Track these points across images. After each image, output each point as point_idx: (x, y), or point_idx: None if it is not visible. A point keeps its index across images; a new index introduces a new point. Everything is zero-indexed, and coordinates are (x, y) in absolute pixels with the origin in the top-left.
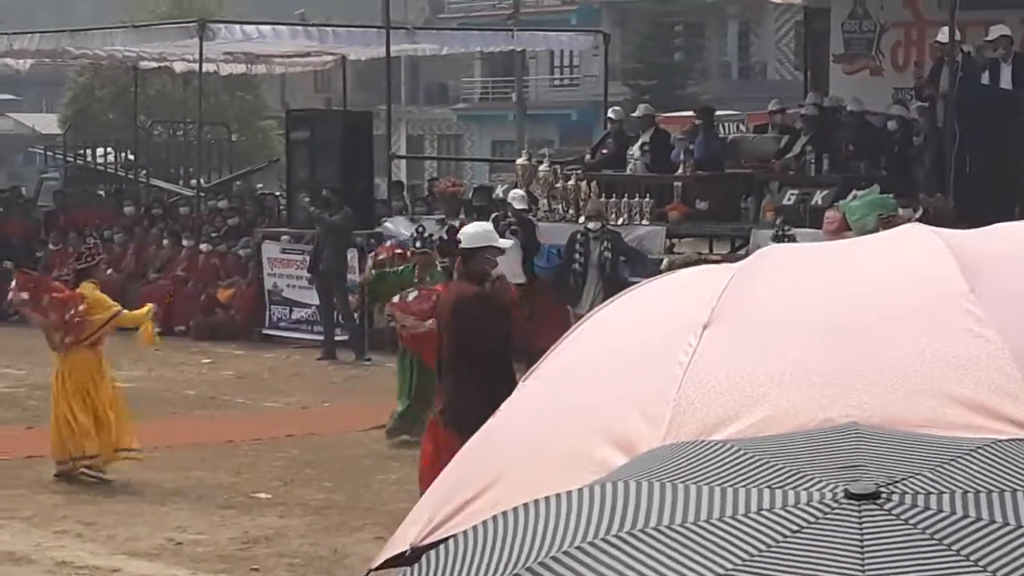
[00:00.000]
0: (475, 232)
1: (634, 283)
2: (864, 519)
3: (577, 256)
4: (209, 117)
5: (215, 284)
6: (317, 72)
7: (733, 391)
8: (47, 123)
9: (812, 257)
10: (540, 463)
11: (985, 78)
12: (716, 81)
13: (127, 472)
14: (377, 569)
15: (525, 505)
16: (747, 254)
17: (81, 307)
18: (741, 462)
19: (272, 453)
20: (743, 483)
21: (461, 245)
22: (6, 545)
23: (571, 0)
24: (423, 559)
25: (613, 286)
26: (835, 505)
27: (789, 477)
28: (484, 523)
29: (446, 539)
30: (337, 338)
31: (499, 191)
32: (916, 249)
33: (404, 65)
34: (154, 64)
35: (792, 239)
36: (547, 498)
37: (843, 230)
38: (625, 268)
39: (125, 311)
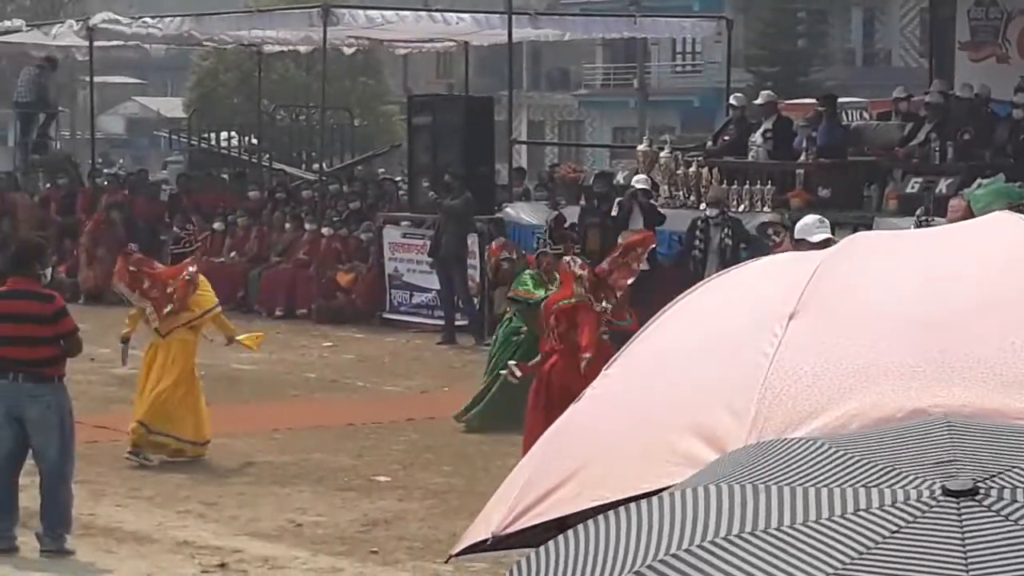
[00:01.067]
0: (801, 224)
1: None
2: (964, 516)
3: (697, 243)
4: (332, 101)
5: (336, 268)
6: (439, 57)
7: (819, 384)
8: (172, 107)
9: (901, 245)
10: (623, 454)
11: None
12: (839, 68)
13: (250, 454)
14: (458, 555)
15: (627, 507)
16: None
17: (183, 281)
18: (834, 461)
19: (392, 437)
20: (838, 483)
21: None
22: (129, 524)
23: None
24: (525, 559)
25: None
26: (933, 503)
27: (884, 475)
28: (587, 525)
29: (530, 528)
30: (457, 323)
31: (620, 177)
32: (1008, 237)
33: (526, 50)
34: (278, 48)
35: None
36: (648, 501)
37: (967, 218)
38: (745, 255)
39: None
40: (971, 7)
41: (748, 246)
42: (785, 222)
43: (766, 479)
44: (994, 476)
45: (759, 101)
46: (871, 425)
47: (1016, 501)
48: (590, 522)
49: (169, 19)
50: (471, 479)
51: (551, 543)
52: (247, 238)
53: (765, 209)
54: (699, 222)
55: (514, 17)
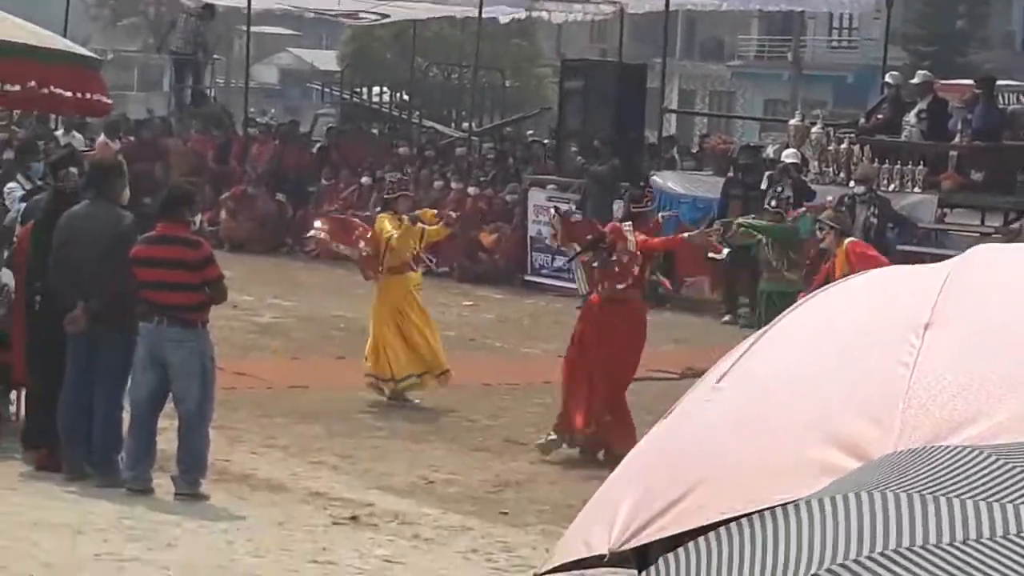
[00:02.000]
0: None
1: (901, 251)
2: None
3: None
4: (485, 62)
5: (480, 228)
6: (593, 23)
7: (966, 393)
8: (326, 60)
9: None
10: (752, 467)
11: None
12: (998, 51)
13: (386, 409)
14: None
15: (771, 512)
16: (1021, 228)
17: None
18: (1000, 473)
19: (528, 399)
20: (1007, 499)
21: None
22: (264, 472)
23: None
24: (661, 563)
25: (879, 252)
26: None
27: None
28: (729, 530)
29: (657, 541)
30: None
31: (770, 151)
32: None
33: (681, 19)
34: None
35: None
36: (789, 507)
37: None
38: (892, 235)
39: (427, 228)
40: None
41: (895, 226)
42: (837, 220)
43: (926, 488)
44: None
45: (916, 81)
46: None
47: None
48: (734, 526)
49: None
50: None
51: (688, 547)
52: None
53: (916, 190)
54: (846, 199)
55: None
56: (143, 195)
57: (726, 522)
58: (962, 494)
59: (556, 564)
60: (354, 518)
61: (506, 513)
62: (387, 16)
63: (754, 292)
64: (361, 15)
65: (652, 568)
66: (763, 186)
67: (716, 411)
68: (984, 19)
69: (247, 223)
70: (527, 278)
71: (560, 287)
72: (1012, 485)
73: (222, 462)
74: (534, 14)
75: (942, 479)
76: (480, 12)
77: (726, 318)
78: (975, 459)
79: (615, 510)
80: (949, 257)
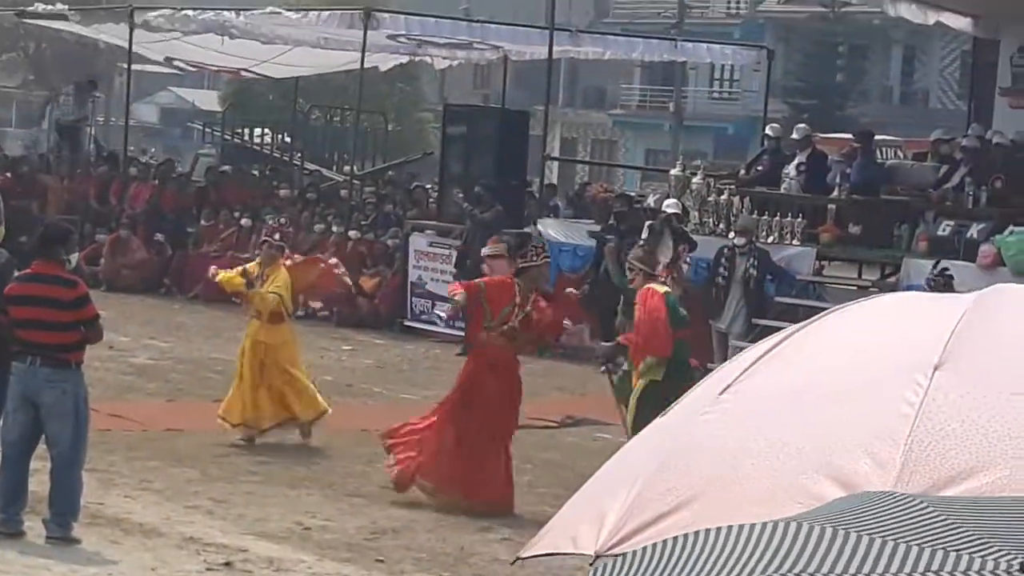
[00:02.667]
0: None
1: (778, 302)
2: None
3: (722, 271)
4: (367, 105)
5: (360, 272)
6: (477, 68)
7: (968, 444)
8: (207, 99)
9: None
10: (748, 489)
11: None
12: (876, 105)
13: (261, 454)
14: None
15: (712, 530)
16: (897, 282)
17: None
18: (932, 521)
19: None
20: (920, 541)
21: None
22: (137, 516)
23: (736, 14)
24: (608, 563)
25: (756, 304)
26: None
27: (972, 542)
28: (674, 539)
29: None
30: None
31: (651, 200)
32: None
33: (564, 67)
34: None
35: (950, 280)
36: (731, 527)
37: (997, 265)
38: (770, 287)
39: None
40: (1014, 53)
41: (774, 277)
42: (644, 260)
43: (854, 526)
44: None
45: (796, 136)
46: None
47: None
48: (680, 536)
49: (210, 12)
50: None
51: (637, 551)
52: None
53: (794, 242)
54: (726, 250)
55: (555, 32)
56: (19, 233)
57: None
58: (884, 534)
59: (539, 553)
60: (228, 564)
61: (382, 561)
62: (267, 76)
63: None
64: (243, 73)
65: (600, 566)
66: (644, 236)
67: (717, 425)
68: (863, 73)
69: (125, 263)
70: (407, 323)
71: (439, 333)
72: (935, 532)
73: (95, 505)
74: (416, 59)
75: (877, 520)
76: (363, 61)
77: (604, 368)
78: (914, 507)
79: (603, 511)
80: (825, 310)
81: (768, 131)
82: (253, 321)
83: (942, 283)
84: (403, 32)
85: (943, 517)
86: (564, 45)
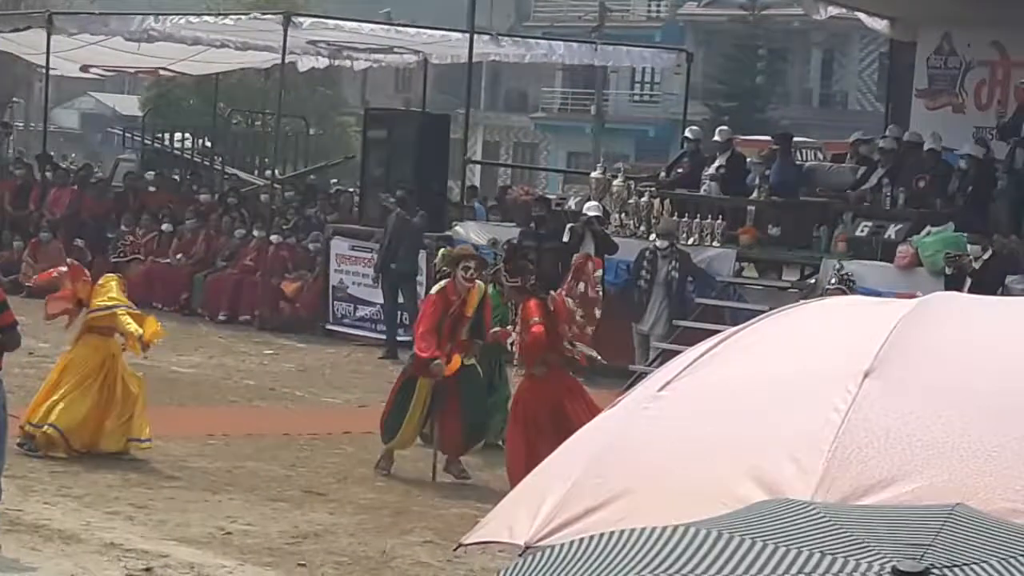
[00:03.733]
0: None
1: (699, 304)
2: None
3: (644, 273)
4: (288, 110)
5: (282, 276)
6: (398, 72)
7: (891, 453)
8: (128, 104)
9: (984, 315)
10: (676, 487)
11: None
12: (796, 107)
13: (184, 459)
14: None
15: (625, 532)
16: (816, 284)
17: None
18: (817, 525)
19: (328, 449)
20: (802, 545)
21: None
22: (57, 523)
23: (656, 17)
24: (513, 566)
25: (678, 305)
26: None
27: (849, 546)
28: (589, 538)
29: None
30: (400, 338)
31: (572, 203)
32: None
33: (485, 70)
34: (237, 66)
35: (851, 283)
36: (631, 530)
37: (914, 265)
38: (691, 288)
39: (124, 315)
40: (930, 55)
41: (695, 279)
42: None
43: (749, 531)
44: (956, 566)
45: (717, 138)
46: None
47: None
48: (589, 537)
49: (130, 17)
50: (404, 496)
51: (541, 554)
52: (195, 241)
53: (715, 244)
54: (647, 253)
55: (476, 36)
56: None
57: None
58: (768, 537)
59: (478, 540)
60: (148, 570)
61: (304, 565)
62: (186, 73)
63: None
64: (161, 72)
65: (515, 563)
66: (565, 239)
67: (653, 422)
68: (782, 76)
69: (45, 269)
70: (329, 327)
71: (361, 336)
72: (820, 536)
73: (14, 512)
74: (336, 62)
75: (767, 525)
76: (283, 64)
77: None
78: (807, 513)
79: (541, 502)
80: (746, 311)
81: (687, 134)
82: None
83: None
84: (323, 39)
85: (833, 523)
86: (485, 48)
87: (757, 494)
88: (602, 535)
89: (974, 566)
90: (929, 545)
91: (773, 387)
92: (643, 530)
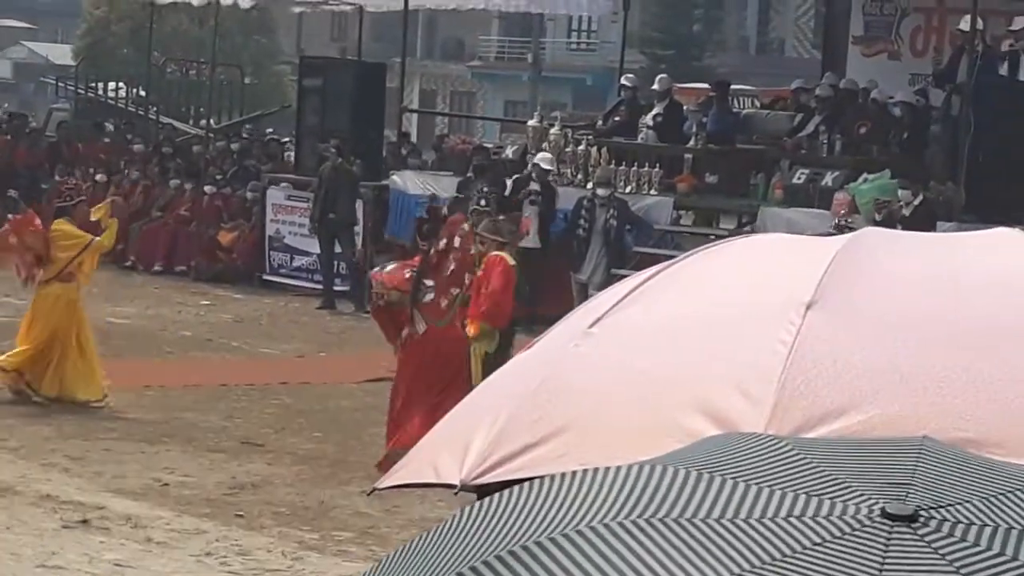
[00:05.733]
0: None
1: (637, 252)
2: (892, 541)
3: (582, 222)
4: (224, 58)
5: (218, 226)
6: (335, 20)
7: (841, 383)
8: (61, 54)
9: (919, 251)
10: (619, 422)
11: (1004, 69)
12: (733, 54)
13: (120, 410)
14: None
15: (564, 475)
16: (753, 231)
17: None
18: (794, 464)
19: (265, 400)
20: (785, 486)
21: None
22: None
23: None
24: (447, 520)
25: (616, 254)
26: (867, 522)
27: (834, 486)
28: (522, 488)
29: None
30: (337, 288)
31: (509, 152)
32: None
33: (421, 19)
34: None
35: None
36: (588, 470)
37: (852, 213)
38: (629, 237)
39: (96, 239)
40: (866, 2)
41: (633, 227)
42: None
43: (717, 468)
44: (942, 507)
45: (656, 86)
46: (893, 434)
47: (951, 536)
48: (525, 485)
49: None
50: (342, 447)
51: (475, 506)
52: (132, 191)
53: (652, 192)
54: (585, 201)
55: None
56: None
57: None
58: (744, 477)
59: (398, 483)
60: (85, 521)
61: (242, 516)
62: None
63: None
64: None
65: (462, 511)
66: (507, 190)
67: (588, 358)
68: (719, 23)
69: None
70: (265, 277)
71: (298, 287)
72: (797, 475)
73: None
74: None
75: (739, 462)
76: (218, 4)
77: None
78: (777, 448)
79: (468, 441)
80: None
81: (624, 81)
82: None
83: None
84: None
85: (807, 460)
86: None
87: (707, 427)
88: (554, 478)
89: (959, 507)
90: (910, 484)
91: (712, 322)
92: (605, 471)
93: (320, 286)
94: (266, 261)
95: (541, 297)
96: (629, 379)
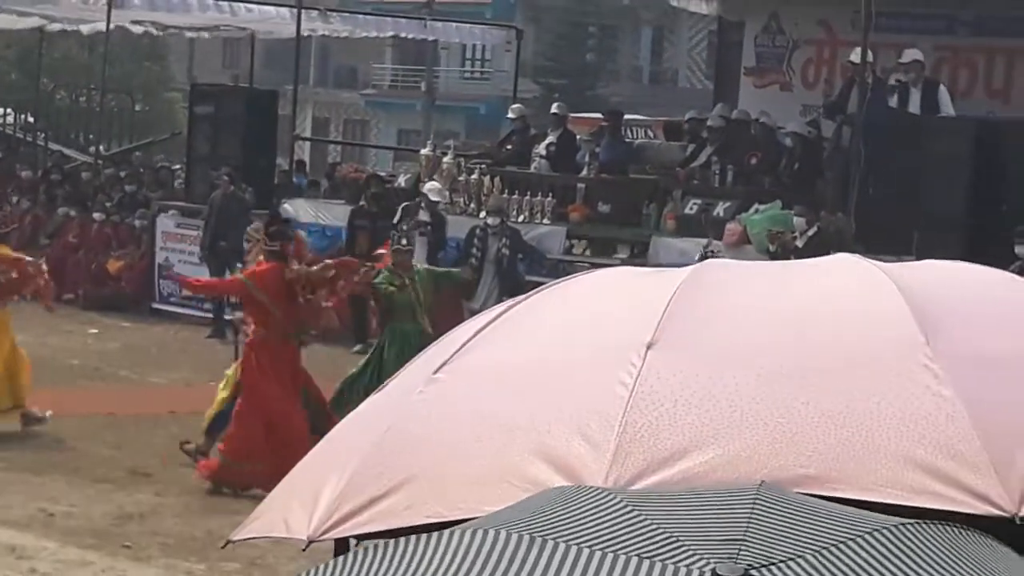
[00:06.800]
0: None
1: (530, 281)
2: None
3: (475, 251)
4: (114, 84)
5: (107, 254)
6: (226, 47)
7: (682, 424)
8: None
9: (757, 282)
10: (462, 471)
11: (894, 101)
12: (626, 84)
13: (3, 439)
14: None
15: (399, 542)
16: (647, 261)
17: None
18: (627, 522)
19: (153, 429)
20: (615, 548)
21: None
22: None
23: None
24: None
25: (509, 283)
26: None
27: (667, 547)
28: (367, 549)
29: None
30: (227, 317)
31: (402, 180)
32: (864, 284)
33: (315, 46)
34: (61, 28)
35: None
36: (421, 538)
37: (743, 242)
38: (522, 266)
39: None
40: (758, 34)
41: (525, 257)
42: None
43: (549, 531)
44: (773, 563)
45: (553, 110)
46: (730, 479)
47: None
48: (370, 546)
49: None
50: None
51: (330, 564)
52: (22, 219)
53: (545, 221)
54: (478, 230)
55: (304, 11)
56: None
57: (427, 528)
58: (577, 540)
59: (251, 536)
60: None
61: (129, 546)
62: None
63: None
64: None
65: (326, 565)
66: (396, 219)
67: (432, 405)
68: (613, 53)
69: None
70: (155, 306)
71: (188, 315)
72: (630, 535)
73: None
74: (162, 32)
75: (573, 522)
76: (108, 26)
77: (357, 347)
78: (611, 505)
79: (317, 494)
80: None
81: (510, 113)
82: None
83: None
84: (149, 20)
85: (640, 517)
86: (313, 24)
87: (550, 474)
88: (387, 546)
89: (790, 562)
90: (743, 540)
91: (556, 366)
92: (438, 537)
93: (210, 315)
94: (155, 289)
95: (433, 326)
96: (472, 426)
